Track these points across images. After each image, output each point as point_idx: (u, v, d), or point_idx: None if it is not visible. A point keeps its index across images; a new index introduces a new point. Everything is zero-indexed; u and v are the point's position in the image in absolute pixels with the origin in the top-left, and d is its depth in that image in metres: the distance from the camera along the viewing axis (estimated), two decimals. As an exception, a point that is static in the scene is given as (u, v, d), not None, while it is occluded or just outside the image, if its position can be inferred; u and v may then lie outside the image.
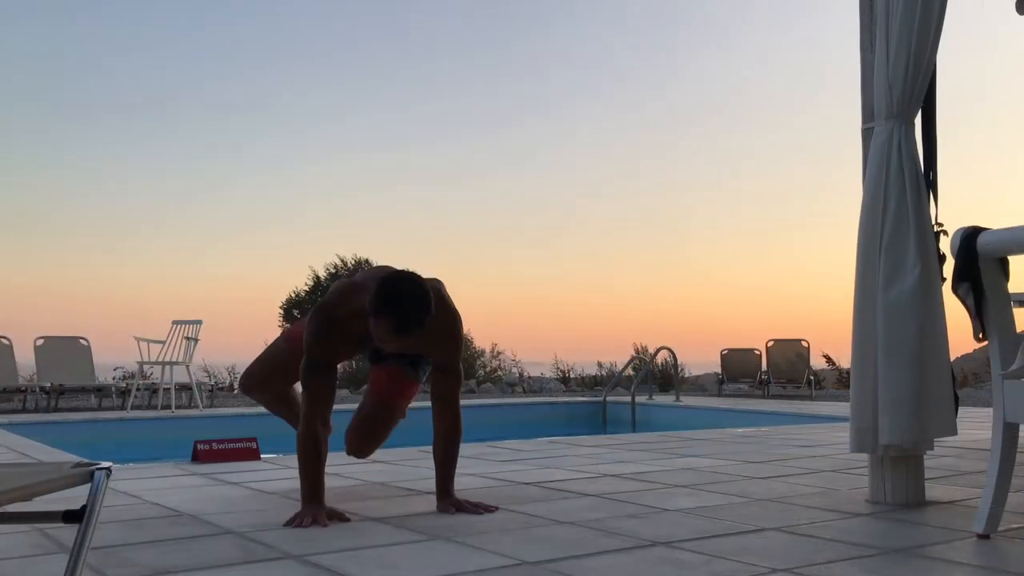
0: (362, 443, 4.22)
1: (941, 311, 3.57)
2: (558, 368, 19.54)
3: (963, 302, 3.12)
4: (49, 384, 10.74)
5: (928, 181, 3.71)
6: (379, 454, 5.43)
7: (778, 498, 3.95)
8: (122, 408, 10.70)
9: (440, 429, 3.82)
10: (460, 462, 5.00)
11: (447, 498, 3.74)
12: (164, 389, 10.59)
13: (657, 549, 2.94)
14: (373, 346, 3.55)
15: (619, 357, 19.82)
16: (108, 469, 2.04)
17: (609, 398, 11.48)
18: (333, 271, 26.95)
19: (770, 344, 14.89)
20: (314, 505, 3.51)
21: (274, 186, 48.19)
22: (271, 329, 27.02)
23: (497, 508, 3.71)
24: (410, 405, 4.36)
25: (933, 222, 3.67)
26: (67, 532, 3.14)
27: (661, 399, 12.63)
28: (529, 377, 18.69)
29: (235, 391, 15.45)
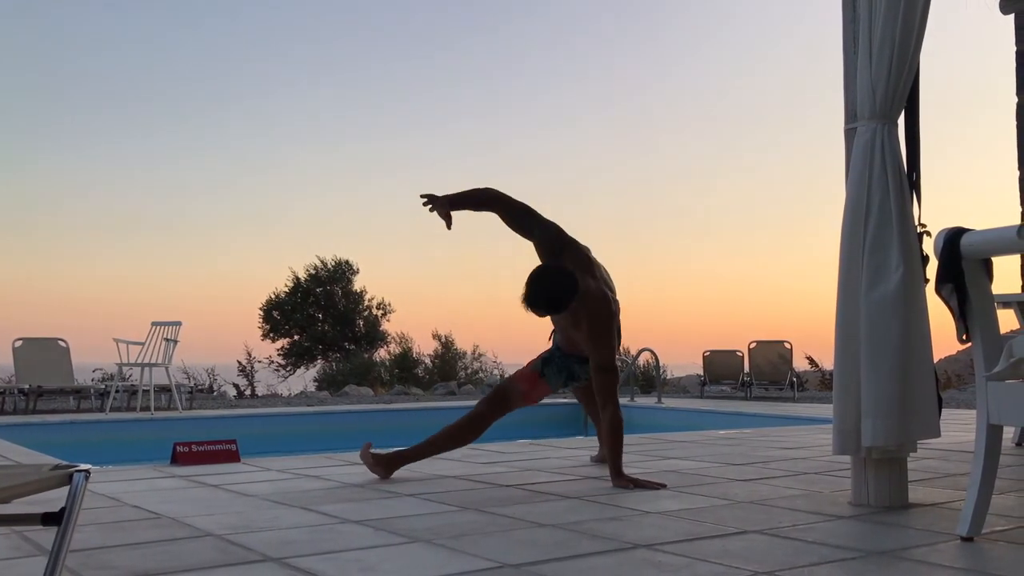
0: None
1: (924, 312, 3.57)
2: (540, 370, 19.47)
3: (946, 303, 3.11)
4: (27, 386, 10.64)
5: (911, 182, 3.71)
6: (358, 457, 5.38)
7: (761, 500, 3.94)
8: (101, 410, 10.61)
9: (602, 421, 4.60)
10: (442, 463, 4.98)
11: (617, 477, 4.39)
12: (143, 391, 10.51)
13: (639, 551, 2.93)
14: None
15: (601, 359, 19.73)
16: (87, 471, 2.02)
17: (591, 400, 11.44)
18: (313, 272, 26.91)
19: (752, 346, 14.90)
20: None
21: (255, 188, 48.09)
22: (251, 331, 26.93)
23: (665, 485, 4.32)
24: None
25: (916, 223, 3.67)
26: (46, 535, 3.10)
27: (643, 401, 12.63)
28: (511, 379, 18.62)
29: (214, 392, 15.37)
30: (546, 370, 4.91)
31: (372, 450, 4.78)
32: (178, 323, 10.45)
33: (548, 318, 4.76)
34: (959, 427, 7.46)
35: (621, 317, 4.87)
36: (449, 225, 4.70)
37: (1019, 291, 8.64)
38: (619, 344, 4.91)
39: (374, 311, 27.07)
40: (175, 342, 10.40)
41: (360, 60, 50.53)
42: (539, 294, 4.43)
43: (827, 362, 17.17)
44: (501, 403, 4.85)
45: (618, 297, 4.81)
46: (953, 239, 3.06)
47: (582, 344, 4.67)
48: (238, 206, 53.12)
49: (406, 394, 15.97)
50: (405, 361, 21.64)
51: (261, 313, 26.67)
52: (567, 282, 4.43)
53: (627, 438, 4.67)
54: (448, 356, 21.56)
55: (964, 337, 3.10)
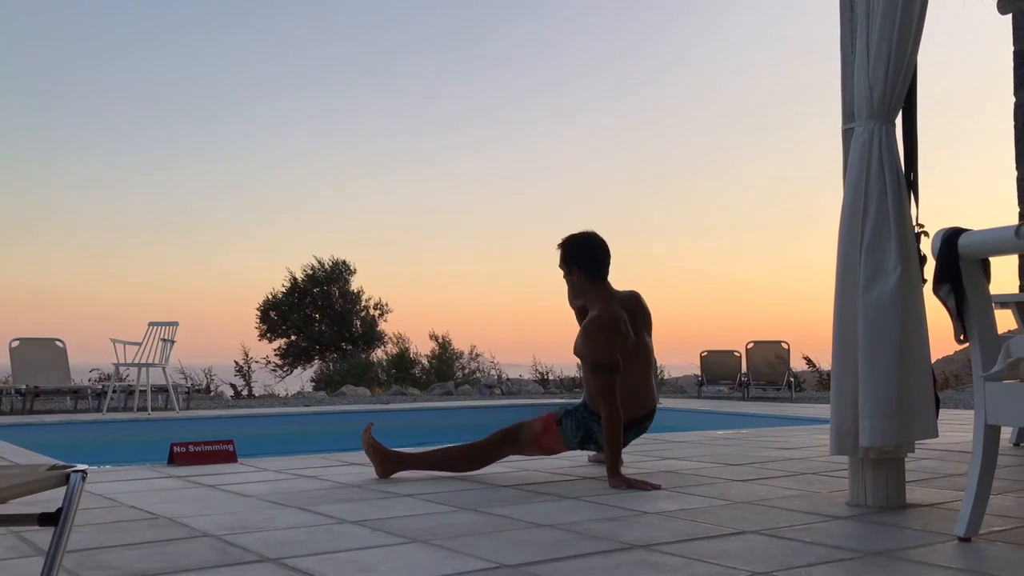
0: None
1: (922, 313, 3.57)
2: (537, 370, 19.53)
3: (944, 303, 3.11)
4: (24, 386, 10.63)
5: (909, 182, 3.71)
6: (355, 457, 5.39)
7: (758, 501, 3.94)
8: (98, 410, 10.60)
9: None
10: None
11: (613, 477, 4.39)
12: (140, 391, 10.50)
13: (636, 552, 2.92)
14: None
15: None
16: (84, 472, 2.01)
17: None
18: (310, 272, 26.91)
19: (750, 346, 14.90)
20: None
21: (252, 188, 48.07)
22: (248, 331, 26.93)
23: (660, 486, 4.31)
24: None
25: (914, 223, 3.67)
26: (43, 535, 3.10)
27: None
28: (507, 379, 18.66)
29: (211, 393, 15.35)
30: (564, 420, 4.78)
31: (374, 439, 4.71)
32: (175, 323, 10.45)
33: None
34: (957, 427, 7.46)
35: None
36: None
37: (1017, 291, 8.64)
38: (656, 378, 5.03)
39: (371, 311, 27.08)
40: (172, 342, 10.39)
41: (359, 60, 50.54)
42: (575, 235, 4.80)
43: (824, 362, 17.20)
44: (511, 439, 4.81)
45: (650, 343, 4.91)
46: (951, 239, 3.06)
47: (581, 348, 4.66)
48: (235, 206, 53.12)
49: (403, 394, 15.96)
50: (402, 361, 21.65)
51: (258, 313, 26.67)
52: (588, 246, 4.77)
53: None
54: (445, 356, 21.56)
55: (962, 337, 3.10)
